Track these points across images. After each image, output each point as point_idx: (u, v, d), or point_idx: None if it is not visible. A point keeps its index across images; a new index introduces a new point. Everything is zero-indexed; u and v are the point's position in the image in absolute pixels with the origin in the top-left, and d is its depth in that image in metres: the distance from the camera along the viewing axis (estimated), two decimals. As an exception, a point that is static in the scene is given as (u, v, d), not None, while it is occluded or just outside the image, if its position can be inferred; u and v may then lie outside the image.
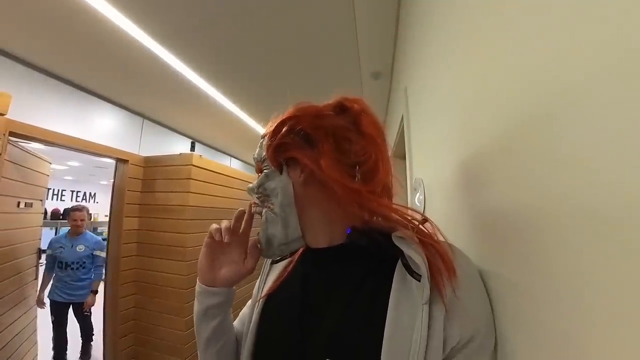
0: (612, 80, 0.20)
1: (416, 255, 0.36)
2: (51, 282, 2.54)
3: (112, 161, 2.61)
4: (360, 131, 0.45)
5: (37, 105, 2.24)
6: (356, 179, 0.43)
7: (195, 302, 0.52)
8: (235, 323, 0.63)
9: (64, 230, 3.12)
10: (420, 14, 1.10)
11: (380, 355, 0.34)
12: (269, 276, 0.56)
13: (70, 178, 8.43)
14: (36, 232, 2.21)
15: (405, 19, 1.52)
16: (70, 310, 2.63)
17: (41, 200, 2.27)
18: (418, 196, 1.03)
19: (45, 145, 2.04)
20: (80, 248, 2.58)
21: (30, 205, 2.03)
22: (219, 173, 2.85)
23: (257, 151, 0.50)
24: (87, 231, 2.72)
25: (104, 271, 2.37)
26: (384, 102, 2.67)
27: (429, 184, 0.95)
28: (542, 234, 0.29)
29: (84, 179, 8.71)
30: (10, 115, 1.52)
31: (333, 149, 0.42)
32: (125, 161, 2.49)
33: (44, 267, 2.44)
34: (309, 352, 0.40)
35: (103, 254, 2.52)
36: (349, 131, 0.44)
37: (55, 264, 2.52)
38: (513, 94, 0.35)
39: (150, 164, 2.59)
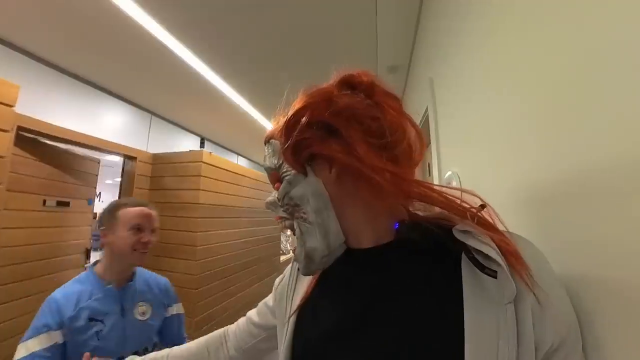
0: None
1: (489, 249, 0.31)
2: None
3: (118, 160, 2.57)
4: (380, 105, 0.38)
5: (44, 100, 2.19)
6: (397, 162, 0.37)
7: None
8: (252, 315, 0.61)
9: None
10: (449, 5, 1.08)
11: None
12: (298, 285, 0.49)
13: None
14: (81, 232, 2.16)
15: (429, 10, 1.47)
16: None
17: (87, 200, 2.23)
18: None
19: (53, 141, 2.01)
20: (143, 310, 1.02)
21: (67, 204, 1.99)
22: (229, 171, 2.81)
23: (267, 160, 0.44)
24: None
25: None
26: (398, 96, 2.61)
27: (467, 179, 0.88)
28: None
29: (91, 178, 8.73)
30: (18, 108, 1.47)
31: (361, 133, 0.36)
32: (133, 158, 2.46)
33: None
34: None
35: (181, 309, 1.18)
36: (370, 108, 0.38)
37: None
38: (558, 96, 0.32)
39: (159, 161, 2.55)
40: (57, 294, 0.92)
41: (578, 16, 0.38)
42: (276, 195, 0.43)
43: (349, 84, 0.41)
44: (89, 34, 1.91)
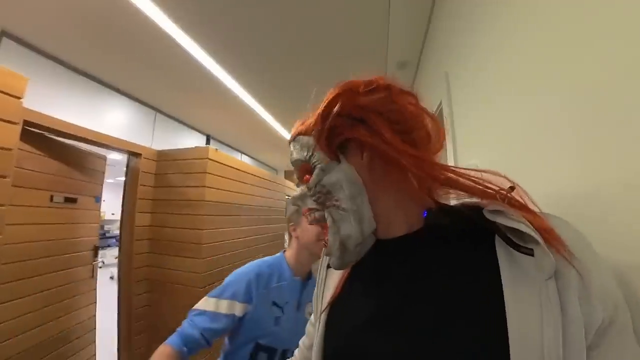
0: None
1: (522, 226, 0.30)
2: None
3: (120, 158, 2.55)
4: (398, 102, 0.41)
5: (48, 95, 2.17)
6: (415, 146, 0.39)
7: None
8: (302, 340, 0.64)
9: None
10: (464, 5, 1.08)
11: (508, 350, 0.28)
12: (328, 281, 0.50)
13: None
14: (89, 229, 2.15)
15: (442, 9, 1.48)
16: None
17: (94, 197, 2.21)
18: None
19: (58, 136, 1.98)
20: (311, 310, 1.04)
21: (74, 200, 1.97)
22: (235, 168, 2.79)
23: (295, 154, 0.44)
24: None
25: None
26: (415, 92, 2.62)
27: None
28: None
29: (92, 176, 8.69)
30: (23, 103, 1.44)
31: (386, 122, 0.39)
32: (138, 155, 2.43)
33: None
34: None
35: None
36: (389, 103, 0.40)
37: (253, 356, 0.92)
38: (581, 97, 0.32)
39: (164, 157, 2.53)
40: (253, 269, 0.96)
41: (609, 14, 0.36)
42: (304, 188, 0.44)
43: (369, 85, 0.42)
44: (95, 29, 1.88)
